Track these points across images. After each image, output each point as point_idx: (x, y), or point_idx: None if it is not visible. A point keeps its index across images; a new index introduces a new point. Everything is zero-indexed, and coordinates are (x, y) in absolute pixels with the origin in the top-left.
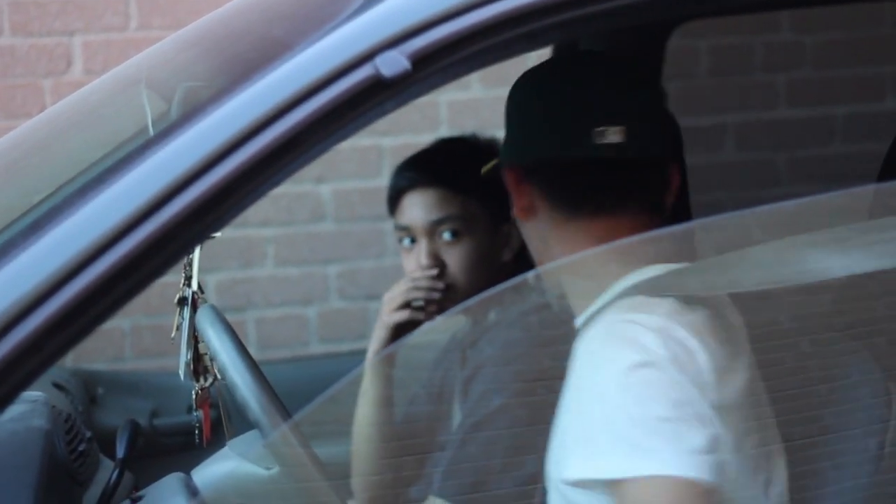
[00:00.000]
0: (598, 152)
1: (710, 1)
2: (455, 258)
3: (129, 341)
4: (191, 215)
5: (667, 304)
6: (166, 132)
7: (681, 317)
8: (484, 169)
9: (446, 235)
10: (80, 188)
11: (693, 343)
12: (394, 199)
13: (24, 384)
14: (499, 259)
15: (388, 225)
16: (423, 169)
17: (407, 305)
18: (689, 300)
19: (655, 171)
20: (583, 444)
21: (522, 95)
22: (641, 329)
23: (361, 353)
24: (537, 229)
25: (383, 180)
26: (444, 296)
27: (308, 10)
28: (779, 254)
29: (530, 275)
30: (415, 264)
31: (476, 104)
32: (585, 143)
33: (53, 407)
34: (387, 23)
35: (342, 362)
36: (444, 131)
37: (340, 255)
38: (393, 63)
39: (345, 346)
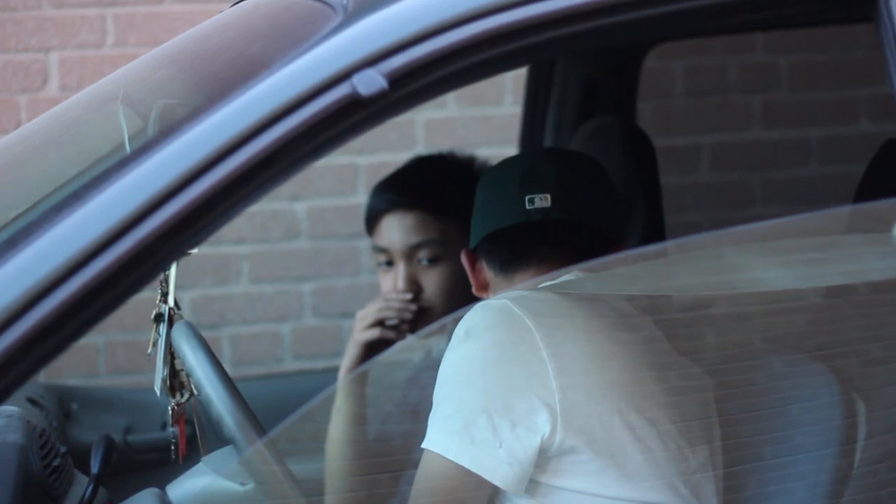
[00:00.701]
0: (528, 217)
1: (683, 23)
2: (432, 282)
3: (102, 357)
4: (167, 232)
5: (518, 291)
6: (143, 149)
7: (526, 300)
8: None
9: (424, 260)
10: (56, 205)
11: (529, 322)
12: (372, 219)
13: (0, 399)
14: None
15: (363, 243)
16: (403, 191)
17: (379, 324)
18: (556, 302)
19: (590, 236)
20: None
21: (476, 193)
22: (479, 312)
23: (335, 371)
24: None
25: (358, 198)
26: (418, 317)
27: (285, 28)
28: (707, 262)
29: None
30: (391, 285)
31: (452, 123)
32: (517, 210)
33: (28, 422)
34: (364, 42)
35: (316, 379)
36: (420, 150)
37: (315, 272)
38: (370, 82)
39: (319, 364)
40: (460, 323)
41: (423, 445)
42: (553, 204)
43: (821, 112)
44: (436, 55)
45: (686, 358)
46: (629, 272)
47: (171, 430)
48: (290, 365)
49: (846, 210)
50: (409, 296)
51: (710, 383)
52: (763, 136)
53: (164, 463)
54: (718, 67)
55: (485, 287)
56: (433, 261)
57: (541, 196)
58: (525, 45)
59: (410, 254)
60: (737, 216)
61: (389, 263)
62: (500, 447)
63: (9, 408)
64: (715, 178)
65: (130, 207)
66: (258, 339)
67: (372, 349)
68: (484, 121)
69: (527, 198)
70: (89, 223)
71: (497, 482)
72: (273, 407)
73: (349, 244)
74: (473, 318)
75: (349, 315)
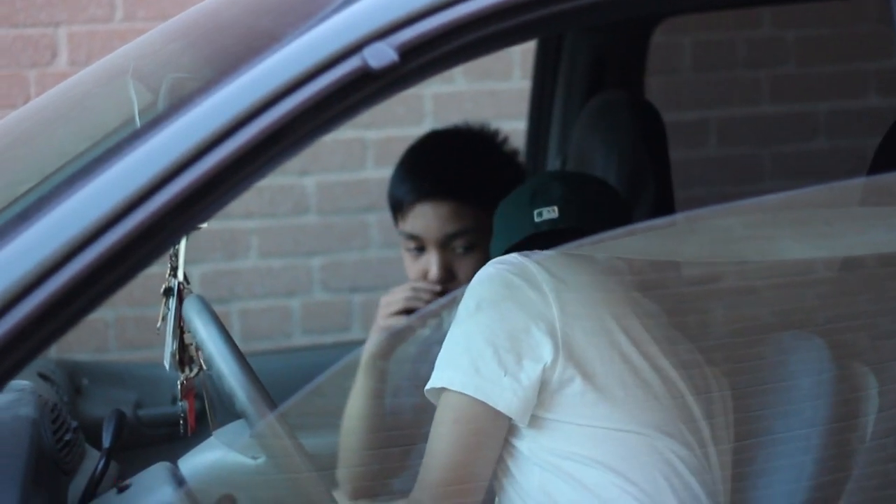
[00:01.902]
0: (537, 228)
1: None
2: (467, 270)
3: (112, 332)
4: (178, 206)
5: (533, 253)
6: (154, 123)
7: (538, 257)
8: None
9: (459, 248)
10: (67, 178)
11: (542, 276)
12: (403, 206)
13: (12, 374)
14: None
15: (372, 217)
16: (438, 179)
17: (405, 312)
18: (563, 257)
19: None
20: None
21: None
22: (494, 266)
23: (345, 346)
24: None
25: (367, 173)
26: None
27: (295, 1)
28: (732, 233)
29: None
30: (420, 271)
31: (460, 97)
32: (527, 225)
33: (40, 396)
34: (375, 14)
35: (325, 354)
36: (429, 124)
37: (324, 247)
38: (381, 55)
39: (328, 338)
40: (473, 279)
41: (427, 386)
42: (560, 214)
43: (828, 86)
44: (446, 28)
45: (684, 334)
46: (641, 239)
47: (180, 404)
48: (299, 340)
49: (856, 183)
50: (437, 287)
51: (717, 383)
52: (771, 110)
53: (174, 437)
54: (726, 42)
55: None
56: (469, 248)
57: (548, 209)
58: (534, 19)
59: (446, 242)
60: (745, 190)
61: (420, 249)
62: (505, 375)
63: (21, 382)
64: (723, 152)
65: (141, 181)
66: (267, 313)
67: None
68: (492, 95)
69: (535, 212)
70: (101, 196)
71: (501, 408)
72: (282, 382)
73: (358, 219)
74: (483, 271)
75: (358, 290)
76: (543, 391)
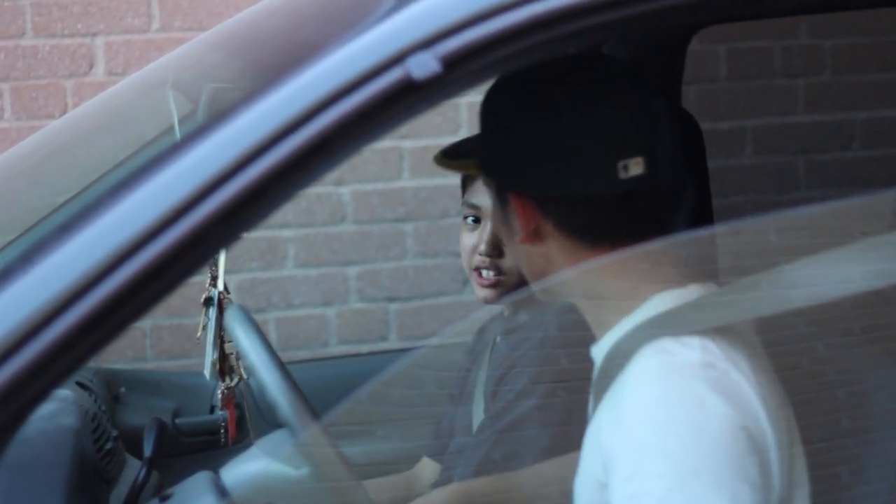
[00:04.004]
0: (623, 187)
1: (730, 6)
2: None
3: (149, 341)
4: (219, 218)
5: (699, 342)
6: (195, 135)
7: (719, 353)
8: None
9: None
10: (108, 190)
11: (735, 376)
12: (471, 175)
13: (55, 384)
14: None
15: (408, 226)
16: None
17: None
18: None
19: (671, 198)
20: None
21: (525, 118)
22: (699, 383)
23: (381, 354)
24: (544, 252)
25: (403, 182)
26: (495, 284)
27: (337, 12)
28: (801, 272)
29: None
30: (473, 244)
31: None
32: (611, 180)
33: (81, 405)
34: (418, 25)
35: (362, 363)
36: (464, 133)
37: (360, 256)
38: (423, 65)
39: (364, 347)
40: (666, 403)
41: None
42: (647, 170)
43: (865, 95)
44: (490, 38)
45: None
46: (767, 287)
47: (220, 413)
48: (336, 349)
49: (893, 194)
50: None
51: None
52: (807, 119)
53: (212, 446)
54: (762, 51)
55: (536, 236)
56: None
57: (635, 161)
58: (577, 29)
59: None
60: (781, 199)
61: (476, 221)
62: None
63: (62, 391)
64: (759, 161)
65: (183, 193)
66: (303, 322)
67: None
68: None
69: (619, 165)
70: (142, 208)
71: None
72: (318, 391)
73: (394, 227)
74: (690, 399)
75: (394, 299)
76: None
